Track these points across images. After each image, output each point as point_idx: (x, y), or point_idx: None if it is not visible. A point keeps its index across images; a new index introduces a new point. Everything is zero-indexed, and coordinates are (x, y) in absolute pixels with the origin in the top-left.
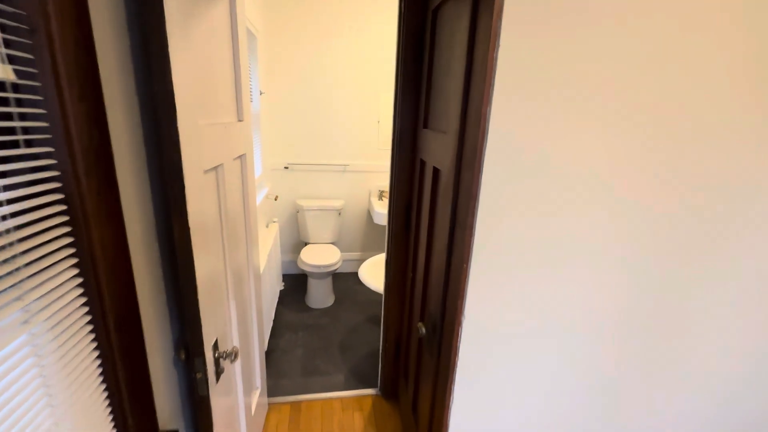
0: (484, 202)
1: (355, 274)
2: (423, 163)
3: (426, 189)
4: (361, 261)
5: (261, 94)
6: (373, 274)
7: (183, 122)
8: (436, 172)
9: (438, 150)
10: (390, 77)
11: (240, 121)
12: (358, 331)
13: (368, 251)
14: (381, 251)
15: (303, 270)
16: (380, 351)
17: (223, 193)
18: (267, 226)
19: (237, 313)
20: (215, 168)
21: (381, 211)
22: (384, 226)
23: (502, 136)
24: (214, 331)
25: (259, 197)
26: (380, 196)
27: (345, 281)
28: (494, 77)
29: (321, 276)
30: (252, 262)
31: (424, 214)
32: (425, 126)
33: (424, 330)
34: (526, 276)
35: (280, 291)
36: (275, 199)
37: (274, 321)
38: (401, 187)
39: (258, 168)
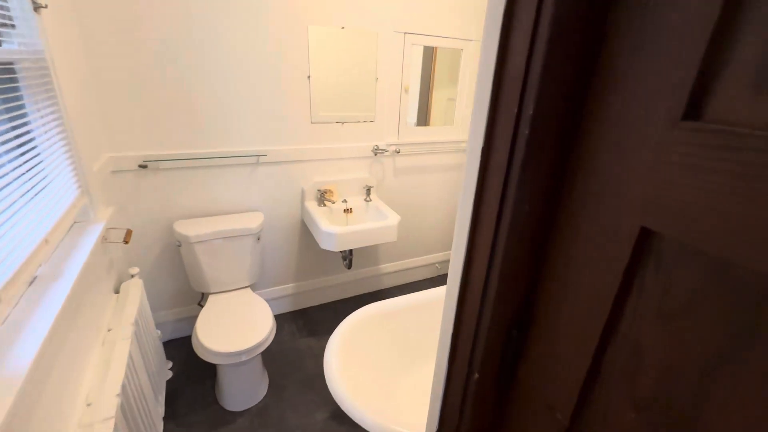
0: None
1: (289, 316)
2: (648, 234)
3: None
4: (297, 296)
5: (38, 8)
6: (358, 380)
7: None
8: None
9: None
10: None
11: None
12: None
13: (306, 280)
14: (326, 276)
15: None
16: None
17: None
18: (116, 292)
19: None
20: None
21: (329, 229)
22: (335, 253)
23: None
24: None
25: (82, 256)
26: (321, 200)
27: (277, 335)
28: None
29: (241, 364)
30: None
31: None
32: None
33: None
34: None
35: (167, 382)
36: (126, 241)
37: None
38: (510, 272)
39: (69, 188)
